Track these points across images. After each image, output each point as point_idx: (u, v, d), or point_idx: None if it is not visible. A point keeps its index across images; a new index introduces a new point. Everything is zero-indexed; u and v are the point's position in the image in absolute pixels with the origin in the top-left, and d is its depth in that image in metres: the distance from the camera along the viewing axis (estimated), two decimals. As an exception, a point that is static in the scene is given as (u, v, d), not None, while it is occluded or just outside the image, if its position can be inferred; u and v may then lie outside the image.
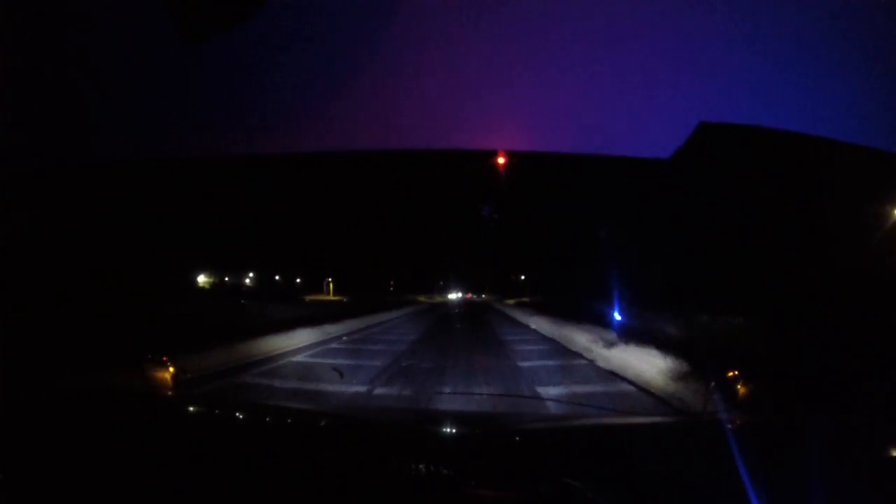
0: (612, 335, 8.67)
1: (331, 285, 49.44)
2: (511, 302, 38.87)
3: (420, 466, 0.89)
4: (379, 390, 5.35)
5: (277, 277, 43.75)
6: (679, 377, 5.30)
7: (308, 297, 38.20)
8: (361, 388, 5.37)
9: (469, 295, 72.30)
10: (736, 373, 1.37)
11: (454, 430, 1.42)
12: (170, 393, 1.56)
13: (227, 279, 38.11)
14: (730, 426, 1.21)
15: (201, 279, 34.24)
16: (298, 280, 46.67)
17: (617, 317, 14.08)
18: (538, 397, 4.99)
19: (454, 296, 68.66)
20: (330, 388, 5.39)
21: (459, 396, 4.85)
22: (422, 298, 50.37)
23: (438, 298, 60.86)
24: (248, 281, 40.85)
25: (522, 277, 54.99)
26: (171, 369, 1.57)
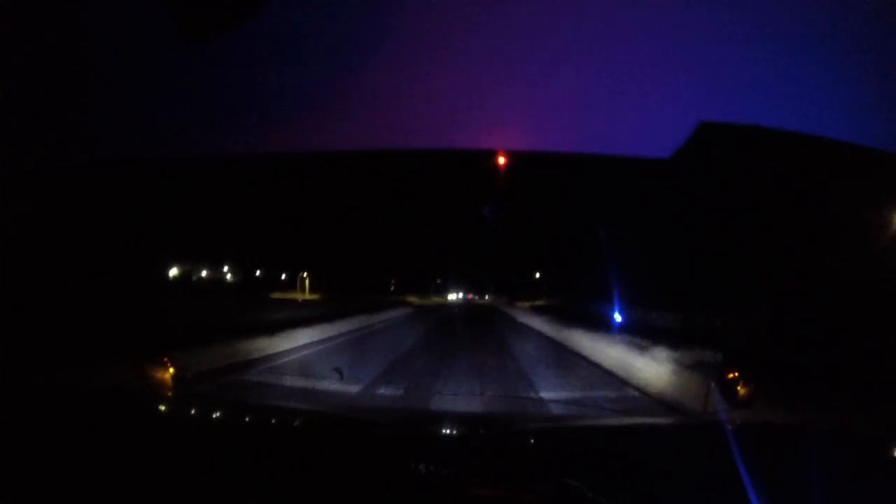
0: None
1: (306, 282, 44.56)
2: (525, 305, 31.17)
3: (420, 466, 0.89)
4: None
5: (258, 272, 42.19)
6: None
7: (277, 295, 33.84)
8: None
9: (470, 296, 68.05)
10: (736, 374, 1.37)
11: (454, 431, 1.42)
12: (170, 393, 1.56)
13: (203, 273, 37.15)
14: (730, 426, 1.21)
15: (175, 272, 33.03)
16: (284, 276, 44.66)
17: (617, 317, 14.06)
18: (538, 398, 4.99)
19: (454, 296, 64.50)
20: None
21: (459, 397, 4.85)
22: (413, 299, 42.78)
23: (436, 299, 54.90)
24: (228, 276, 39.91)
25: (538, 275, 46.34)
26: (171, 369, 1.57)
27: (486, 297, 66.28)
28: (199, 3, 1.31)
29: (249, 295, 28.41)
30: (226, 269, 39.71)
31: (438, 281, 66.94)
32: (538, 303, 33.51)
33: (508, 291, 55.28)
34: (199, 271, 36.98)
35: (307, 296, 39.33)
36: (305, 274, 44.67)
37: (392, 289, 53.43)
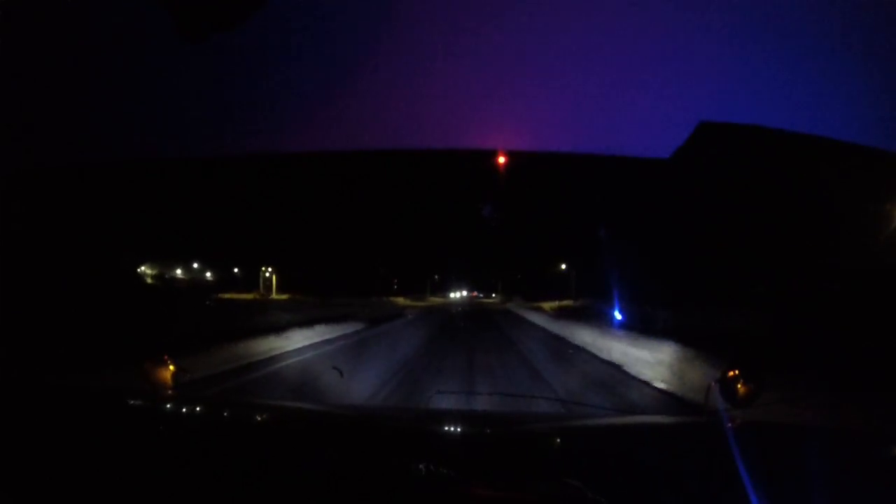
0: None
1: (273, 279, 39.99)
2: (547, 307, 23.75)
3: (420, 466, 0.89)
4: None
5: (236, 270, 39.78)
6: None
7: (228, 296, 28.94)
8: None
9: (474, 293, 64.02)
10: (736, 373, 1.37)
11: (454, 430, 1.42)
12: (170, 393, 1.56)
13: (177, 272, 35.66)
14: (730, 426, 1.21)
15: (147, 271, 31.65)
16: (267, 274, 41.54)
17: (617, 316, 14.06)
18: (538, 397, 4.99)
19: (456, 295, 60.45)
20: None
21: (459, 396, 4.86)
22: (401, 300, 35.63)
23: (434, 299, 48.71)
24: (208, 274, 38.36)
25: (563, 267, 33.08)
26: (171, 369, 1.57)
27: (493, 295, 60.16)
28: (200, 3, 1.31)
29: (191, 295, 24.83)
30: (196, 265, 37.35)
31: (436, 277, 59.61)
32: (565, 303, 24.79)
33: (520, 288, 47.75)
34: (173, 269, 35.66)
35: (249, 296, 34.14)
36: (268, 270, 39.99)
37: (395, 287, 50.94)
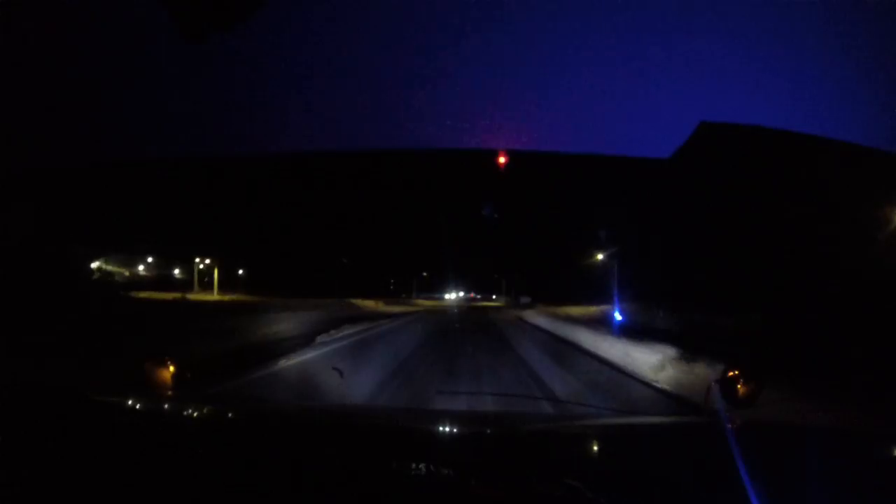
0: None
1: (215, 274, 35.24)
2: (576, 312, 18.17)
3: (420, 466, 0.89)
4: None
5: (201, 266, 37.62)
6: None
7: (144, 295, 23.05)
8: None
9: (472, 294, 57.75)
10: (736, 373, 1.37)
11: (454, 430, 1.42)
12: (170, 393, 1.56)
13: (141, 268, 34.44)
14: (730, 426, 1.21)
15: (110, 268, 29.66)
16: (241, 271, 39.59)
17: (617, 317, 14.06)
18: (538, 397, 5.00)
19: (451, 296, 53.13)
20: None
21: (460, 396, 4.86)
22: (371, 304, 29.00)
23: (422, 302, 41.68)
24: (176, 272, 37.01)
25: (600, 257, 21.64)
26: (172, 369, 1.57)
27: (494, 297, 54.50)
28: (201, 3, 1.31)
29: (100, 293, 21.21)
30: (150, 260, 35.37)
31: (424, 274, 52.42)
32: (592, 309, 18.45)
33: (524, 289, 42.27)
34: (136, 266, 33.87)
35: (213, 296, 31.16)
36: (204, 263, 35.74)
37: (391, 287, 47.51)
